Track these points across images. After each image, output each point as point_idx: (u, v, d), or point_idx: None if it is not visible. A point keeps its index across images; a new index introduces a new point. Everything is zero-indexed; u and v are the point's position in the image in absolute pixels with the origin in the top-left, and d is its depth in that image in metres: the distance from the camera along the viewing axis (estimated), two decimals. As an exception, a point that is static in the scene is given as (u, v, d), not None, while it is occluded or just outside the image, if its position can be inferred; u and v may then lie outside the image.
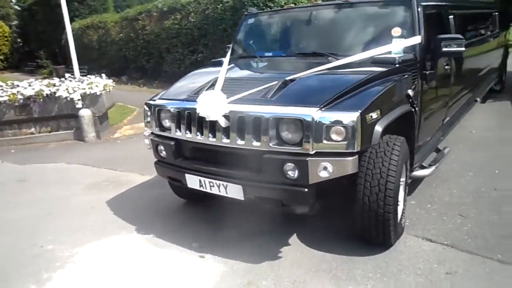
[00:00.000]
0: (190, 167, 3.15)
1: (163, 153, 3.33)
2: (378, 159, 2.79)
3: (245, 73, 3.89)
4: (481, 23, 6.53)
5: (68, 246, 3.43)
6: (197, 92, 3.15)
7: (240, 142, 2.83)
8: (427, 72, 3.58)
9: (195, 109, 2.96)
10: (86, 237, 3.58)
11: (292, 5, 9.16)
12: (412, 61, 3.45)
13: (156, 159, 3.49)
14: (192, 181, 3.14)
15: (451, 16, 4.36)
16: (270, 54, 4.28)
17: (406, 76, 3.25)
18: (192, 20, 11.56)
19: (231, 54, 4.14)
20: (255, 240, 3.33)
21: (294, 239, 3.34)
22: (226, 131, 2.88)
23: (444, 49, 3.53)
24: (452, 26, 4.33)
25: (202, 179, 3.05)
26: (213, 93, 2.92)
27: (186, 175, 3.15)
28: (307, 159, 2.62)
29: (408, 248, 3.08)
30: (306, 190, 2.69)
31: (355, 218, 2.98)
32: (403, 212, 3.20)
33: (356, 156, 2.70)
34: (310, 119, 2.59)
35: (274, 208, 3.14)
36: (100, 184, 4.88)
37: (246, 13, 4.77)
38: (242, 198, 2.93)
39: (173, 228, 3.64)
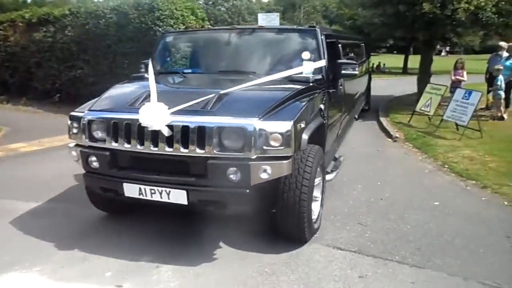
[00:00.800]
0: (128, 176, 3.19)
1: (95, 164, 3.31)
2: (298, 163, 3.19)
3: (175, 87, 4.04)
4: (356, 52, 7.54)
5: None
6: (132, 104, 3.26)
7: (184, 150, 3.00)
8: (331, 91, 4.26)
9: (135, 120, 3.06)
10: (-34, 279, 2.99)
11: (181, 26, 9.20)
12: (321, 80, 4.04)
13: (85, 171, 3.42)
14: (131, 190, 3.17)
15: (339, 45, 5.02)
16: (190, 70, 4.49)
17: (318, 93, 3.85)
18: (69, 34, 10.69)
19: (146, 70, 4.11)
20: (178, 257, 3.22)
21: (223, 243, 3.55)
22: (169, 141, 3.02)
23: (343, 71, 4.17)
24: (340, 53, 4.99)
25: (142, 187, 3.13)
26: (155, 105, 3.04)
27: (124, 184, 3.17)
28: (249, 163, 2.91)
29: (324, 258, 3.31)
30: (248, 191, 2.97)
31: (277, 215, 3.33)
32: (319, 214, 3.64)
33: (291, 160, 3.05)
34: (251, 128, 2.89)
35: (215, 210, 3.31)
36: (-27, 216, 4.13)
37: (162, 31, 5.10)
38: (186, 203, 3.06)
39: (76, 258, 3.28)
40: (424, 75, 10.73)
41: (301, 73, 3.82)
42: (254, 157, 2.91)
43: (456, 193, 4.80)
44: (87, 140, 3.33)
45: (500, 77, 8.10)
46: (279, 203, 3.24)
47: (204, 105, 3.12)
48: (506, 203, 4.46)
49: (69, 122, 3.50)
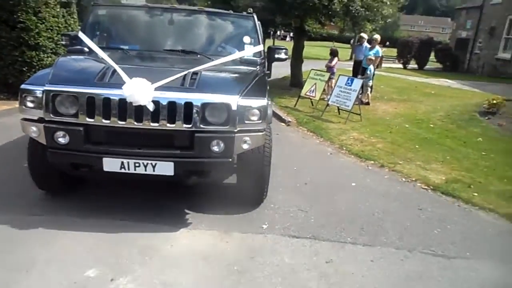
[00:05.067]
0: (108, 151, 3.17)
1: (63, 140, 3.17)
2: (265, 134, 3.54)
3: (134, 64, 3.84)
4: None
5: None
6: (101, 79, 3.20)
7: (170, 125, 3.12)
8: (268, 72, 4.71)
9: (114, 95, 3.06)
10: None
11: None
12: (262, 63, 4.34)
13: (49, 147, 3.21)
14: (111, 164, 3.17)
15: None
16: (127, 47, 4.20)
17: (264, 73, 4.19)
18: None
19: (73, 44, 4.13)
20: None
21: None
22: (154, 116, 3.08)
23: (277, 55, 4.64)
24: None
25: (125, 161, 3.15)
26: (139, 81, 3.04)
27: (104, 159, 3.16)
28: (233, 135, 3.21)
29: (285, 248, 3.29)
30: (230, 160, 3.29)
31: (240, 180, 3.73)
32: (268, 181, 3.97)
33: (264, 132, 3.43)
34: (235, 105, 3.17)
35: (198, 179, 3.52)
36: None
37: (92, 3, 4.52)
38: (172, 174, 3.21)
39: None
40: (297, 60, 11.43)
41: (244, 56, 4.16)
42: (236, 130, 3.21)
43: (363, 173, 5.29)
44: (51, 115, 3.14)
45: (371, 66, 9.17)
46: (245, 169, 3.59)
47: (182, 82, 3.23)
48: (403, 179, 5.11)
49: (22, 95, 3.22)
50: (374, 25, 11.59)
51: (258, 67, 4.04)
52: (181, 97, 3.12)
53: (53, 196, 3.83)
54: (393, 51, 27.42)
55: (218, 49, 4.32)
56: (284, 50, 4.62)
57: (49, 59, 7.99)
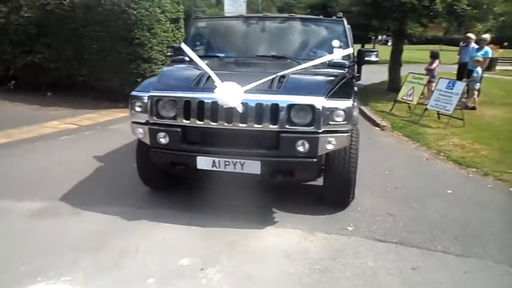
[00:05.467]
0: (201, 150, 3.44)
1: (164, 140, 3.50)
2: (351, 136, 3.56)
3: (227, 69, 4.14)
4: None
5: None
6: (197, 84, 3.51)
7: (257, 125, 3.31)
8: (358, 75, 4.75)
9: (208, 98, 3.33)
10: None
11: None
12: (351, 65, 4.40)
13: (152, 147, 3.59)
14: (204, 163, 3.43)
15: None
16: (223, 55, 4.58)
17: (353, 77, 4.29)
18: (25, 15, 9.73)
19: (177, 54, 4.58)
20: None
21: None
22: (242, 117, 3.29)
23: (367, 58, 4.62)
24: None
25: (216, 159, 3.38)
26: (230, 84, 3.26)
27: (198, 157, 3.42)
28: (318, 136, 3.30)
29: (369, 251, 3.23)
30: (315, 160, 3.37)
31: (326, 181, 3.80)
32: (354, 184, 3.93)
33: (349, 133, 3.46)
34: (319, 106, 3.27)
35: (283, 179, 3.62)
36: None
37: (194, 17, 5.14)
38: (258, 172, 3.38)
39: (106, 263, 2.95)
40: (395, 64, 10.99)
41: (332, 59, 4.20)
42: (321, 130, 3.29)
43: (462, 181, 4.93)
44: (154, 118, 3.51)
45: (478, 68, 8.46)
46: (331, 171, 3.66)
47: (270, 85, 3.41)
48: (511, 189, 4.63)
49: (131, 101, 3.68)
50: (485, 24, 10.61)
51: (346, 69, 4.11)
52: (268, 99, 3.30)
53: (156, 192, 4.27)
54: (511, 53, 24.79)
55: (309, 54, 4.44)
56: (375, 53, 4.62)
57: (159, 70, 8.86)
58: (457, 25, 10.55)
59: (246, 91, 3.28)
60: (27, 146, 5.92)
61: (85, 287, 2.69)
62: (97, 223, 3.57)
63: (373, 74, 13.39)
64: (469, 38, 9.81)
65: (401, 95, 8.71)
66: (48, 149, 5.82)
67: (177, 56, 4.63)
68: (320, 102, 3.28)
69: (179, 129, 3.46)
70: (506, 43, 34.54)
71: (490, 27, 11.21)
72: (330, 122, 3.32)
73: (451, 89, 7.34)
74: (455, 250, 3.27)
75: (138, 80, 8.66)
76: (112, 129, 7.16)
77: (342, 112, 3.32)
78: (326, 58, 4.17)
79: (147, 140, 3.61)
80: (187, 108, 3.40)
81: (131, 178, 4.47)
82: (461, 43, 10.97)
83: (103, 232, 3.41)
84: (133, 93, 3.72)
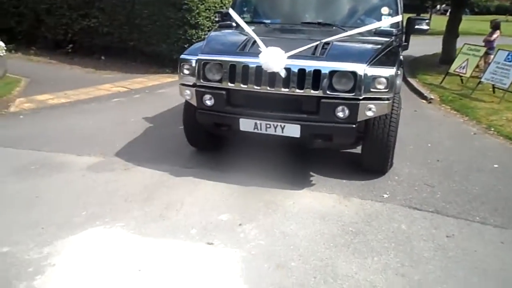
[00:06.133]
0: (244, 113, 3.57)
1: (209, 102, 3.65)
2: (392, 104, 3.58)
3: (273, 35, 4.23)
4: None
5: (32, 246, 2.74)
6: (242, 49, 3.61)
7: (299, 90, 3.38)
8: (405, 44, 4.72)
9: (253, 62, 3.42)
10: (49, 233, 2.90)
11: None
12: (399, 34, 4.33)
13: (199, 108, 3.77)
14: (247, 124, 3.57)
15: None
16: (269, 21, 4.60)
17: (399, 45, 4.25)
18: (81, -20, 10.14)
19: (224, 20, 4.74)
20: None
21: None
22: (285, 82, 3.37)
23: (417, 26, 4.58)
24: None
25: (258, 122, 3.52)
26: (274, 49, 3.33)
27: (241, 119, 3.57)
28: (358, 102, 3.34)
29: (404, 217, 3.29)
30: (354, 126, 3.43)
31: (365, 148, 3.87)
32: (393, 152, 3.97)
33: (391, 101, 3.48)
34: (361, 73, 3.30)
35: (322, 144, 3.76)
36: (28, 168, 3.99)
37: None
38: (298, 136, 3.49)
39: (154, 215, 3.21)
40: (450, 35, 10.44)
41: (380, 27, 4.11)
42: (362, 97, 3.33)
43: (511, 156, 4.76)
44: (201, 80, 3.65)
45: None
46: (370, 138, 3.71)
47: (313, 51, 3.45)
48: None
49: (180, 64, 3.83)
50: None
51: (393, 37, 4.03)
52: (310, 65, 3.35)
53: (201, 152, 4.49)
54: None
55: (356, 21, 4.39)
56: (426, 21, 4.54)
57: (206, 36, 9.00)
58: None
59: (289, 57, 3.34)
60: (84, 107, 6.34)
61: (137, 232, 2.96)
62: (145, 178, 3.85)
63: (426, 45, 12.86)
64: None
65: (454, 67, 8.33)
66: (102, 110, 6.20)
67: (225, 21, 4.73)
68: (362, 69, 3.30)
69: (224, 92, 3.60)
70: None
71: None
72: (372, 89, 3.34)
73: (510, 61, 6.94)
74: (494, 221, 3.25)
75: (185, 46, 8.86)
76: (160, 93, 7.45)
77: (384, 80, 3.32)
78: (373, 25, 4.13)
79: (194, 102, 3.78)
80: (232, 72, 3.51)
81: (177, 140, 4.73)
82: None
83: (151, 186, 3.68)
84: (182, 56, 3.88)
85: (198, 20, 8.90)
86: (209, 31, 9.06)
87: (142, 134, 5.10)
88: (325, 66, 3.34)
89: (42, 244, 2.76)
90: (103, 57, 10.25)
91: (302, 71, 3.36)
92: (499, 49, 7.63)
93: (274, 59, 3.31)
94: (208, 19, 9.10)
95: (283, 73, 3.35)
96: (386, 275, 2.59)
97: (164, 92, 7.50)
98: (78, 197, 3.46)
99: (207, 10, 9.05)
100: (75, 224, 3.03)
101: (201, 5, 8.87)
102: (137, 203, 3.38)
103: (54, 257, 2.64)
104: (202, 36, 8.92)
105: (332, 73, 3.34)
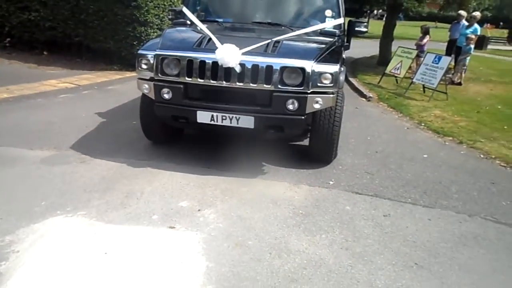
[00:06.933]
0: (201, 106, 3.78)
1: (167, 95, 3.83)
2: (336, 98, 3.96)
3: (226, 33, 4.37)
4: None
5: (-7, 235, 2.76)
6: (199, 45, 3.82)
7: (252, 84, 3.64)
8: (347, 44, 5.12)
9: (209, 58, 3.65)
10: (9, 222, 2.93)
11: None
12: (341, 35, 4.72)
13: (157, 101, 3.92)
14: (203, 117, 3.78)
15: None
16: (221, 20, 4.76)
17: (342, 45, 4.60)
18: (21, -30, 9.70)
19: (177, 17, 4.86)
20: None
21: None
22: (240, 76, 3.62)
23: (357, 28, 5.02)
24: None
25: (214, 114, 3.74)
26: (229, 46, 3.58)
27: (198, 112, 3.77)
28: (306, 96, 3.66)
29: (347, 201, 3.66)
30: (303, 117, 3.75)
31: (312, 139, 4.20)
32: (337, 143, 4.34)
33: (336, 95, 3.85)
34: (309, 69, 3.62)
35: (273, 134, 4.02)
36: (-24, 163, 3.90)
37: None
38: (252, 127, 3.75)
39: (115, 203, 3.32)
40: (386, 38, 11.24)
41: (325, 28, 4.53)
42: (310, 91, 3.65)
43: (438, 147, 5.36)
44: (159, 75, 3.81)
45: (471, 45, 8.77)
46: (318, 129, 4.05)
47: (265, 49, 3.73)
48: (482, 156, 5.09)
49: (138, 59, 3.95)
50: (480, 2, 10.87)
51: (336, 38, 4.40)
52: (263, 61, 3.63)
53: (156, 146, 4.61)
54: (504, 33, 25.09)
55: (302, 22, 4.72)
56: (364, 24, 4.99)
57: (155, 34, 9.00)
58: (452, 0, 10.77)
59: (243, 53, 3.60)
60: (29, 102, 6.16)
61: (99, 220, 3.06)
62: (103, 170, 3.92)
63: (365, 48, 13.72)
64: (460, 15, 10.10)
65: (389, 68, 9.04)
66: (49, 106, 6.07)
67: (178, 19, 4.88)
68: (310, 65, 3.63)
69: (181, 86, 3.79)
70: (501, 23, 34.69)
71: (488, 6, 11.49)
72: (318, 84, 3.66)
73: (437, 63, 7.69)
74: (423, 202, 3.72)
75: (134, 43, 8.84)
76: (109, 90, 7.39)
77: (329, 76, 3.66)
78: (318, 26, 4.50)
79: (152, 95, 3.93)
80: (190, 66, 3.71)
81: (131, 134, 4.81)
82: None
83: (110, 177, 3.77)
84: (140, 51, 4.01)
85: (147, 18, 8.88)
86: (158, 29, 9.10)
87: (95, 129, 5.10)
88: (277, 62, 3.62)
89: (3, 233, 2.79)
90: (45, 52, 9.89)
91: (255, 66, 3.62)
92: (427, 52, 8.41)
93: (229, 54, 3.55)
94: (157, 16, 9.11)
95: (238, 68, 3.59)
96: (332, 249, 2.92)
97: (114, 89, 7.45)
98: (36, 188, 3.47)
99: (156, 8, 9.06)
100: (35, 214, 3.06)
101: (150, 2, 8.87)
102: (97, 192, 3.46)
103: (17, 245, 2.68)
104: (152, 34, 8.93)
105: (283, 68, 3.62)
